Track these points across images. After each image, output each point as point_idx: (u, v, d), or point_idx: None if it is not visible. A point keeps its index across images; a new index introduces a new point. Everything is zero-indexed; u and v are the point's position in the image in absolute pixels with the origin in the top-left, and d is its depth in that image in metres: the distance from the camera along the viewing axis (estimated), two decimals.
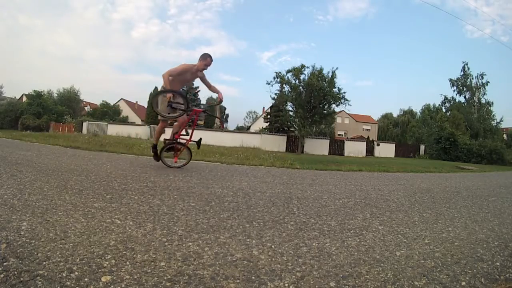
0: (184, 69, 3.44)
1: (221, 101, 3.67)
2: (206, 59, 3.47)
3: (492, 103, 29.48)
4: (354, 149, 21.91)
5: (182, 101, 3.38)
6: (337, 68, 18.26)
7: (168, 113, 3.36)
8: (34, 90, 26.99)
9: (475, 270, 1.22)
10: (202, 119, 28.17)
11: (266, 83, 18.99)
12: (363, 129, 43.14)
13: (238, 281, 0.97)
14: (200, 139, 3.69)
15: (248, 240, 1.36)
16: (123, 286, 0.88)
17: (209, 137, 18.09)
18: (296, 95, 18.58)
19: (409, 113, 43.26)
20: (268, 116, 28.31)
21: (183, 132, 3.58)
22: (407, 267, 1.19)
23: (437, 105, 34.19)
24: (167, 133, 3.77)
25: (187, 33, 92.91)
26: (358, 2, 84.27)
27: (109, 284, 0.88)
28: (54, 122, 24.48)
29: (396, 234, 1.63)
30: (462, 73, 30.38)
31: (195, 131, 3.66)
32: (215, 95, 3.93)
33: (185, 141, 3.59)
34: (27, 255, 1.01)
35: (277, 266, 1.11)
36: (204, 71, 3.56)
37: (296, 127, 21.14)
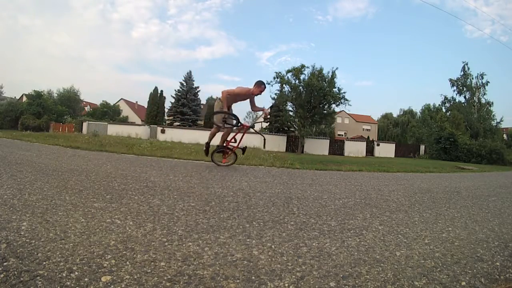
0: (240, 92, 4.13)
1: (266, 116, 4.57)
2: (261, 87, 4.13)
3: (492, 103, 29.53)
4: (354, 149, 21.92)
5: (234, 119, 4.18)
6: (337, 68, 18.30)
7: (222, 125, 4.11)
8: (34, 90, 26.98)
9: (475, 270, 1.22)
10: (202, 119, 28.27)
11: (266, 83, 18.98)
12: (363, 129, 43.15)
13: (238, 281, 0.97)
14: (246, 147, 4.47)
15: (248, 240, 1.36)
16: (123, 286, 0.88)
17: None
18: (296, 95, 18.60)
19: (409, 113, 43.30)
20: (268, 116, 28.30)
21: (232, 140, 4.32)
22: (407, 267, 1.19)
23: (437, 105, 34.28)
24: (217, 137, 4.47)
25: (187, 33, 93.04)
26: (358, 2, 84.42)
27: (109, 284, 0.88)
28: (54, 122, 24.49)
29: (396, 234, 1.63)
30: (462, 73, 30.41)
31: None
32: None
33: (232, 147, 4.33)
34: (27, 255, 1.01)
35: (277, 266, 1.11)
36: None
37: (296, 127, 21.16)
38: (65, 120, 25.75)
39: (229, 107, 4.17)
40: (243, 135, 4.30)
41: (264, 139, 5.12)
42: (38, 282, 0.85)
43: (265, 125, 28.58)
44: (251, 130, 4.50)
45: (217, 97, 4.25)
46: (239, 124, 4.21)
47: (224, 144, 4.31)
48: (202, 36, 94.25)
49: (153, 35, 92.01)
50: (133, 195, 2.03)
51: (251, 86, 4.15)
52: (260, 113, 4.51)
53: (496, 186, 4.63)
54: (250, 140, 19.03)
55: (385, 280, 1.06)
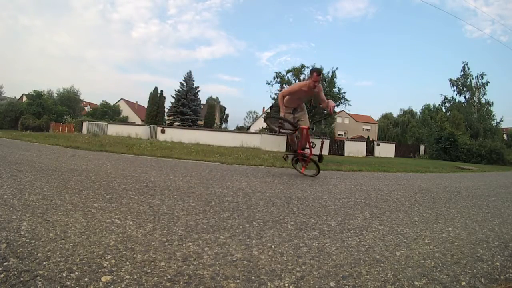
0: (297, 88, 3.66)
1: (331, 113, 3.91)
2: (313, 75, 3.51)
3: (492, 103, 29.52)
4: (354, 149, 21.91)
5: (290, 125, 3.74)
6: (337, 68, 18.33)
7: (277, 132, 3.82)
8: (34, 90, 26.94)
9: (475, 270, 1.22)
10: (202, 119, 28.22)
11: (266, 83, 19.02)
12: (363, 129, 43.13)
13: (238, 281, 0.97)
14: (321, 155, 3.74)
15: (248, 240, 1.36)
16: (123, 286, 0.88)
17: (209, 137, 18.12)
18: None
19: (409, 113, 43.27)
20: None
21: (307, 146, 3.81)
22: (407, 267, 1.19)
23: (437, 105, 34.27)
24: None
25: (187, 33, 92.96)
26: (358, 2, 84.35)
27: (109, 284, 0.88)
28: (54, 122, 24.47)
29: (396, 234, 1.63)
30: (462, 73, 30.40)
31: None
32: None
33: (307, 154, 3.81)
34: (27, 255, 1.01)
35: (277, 266, 1.11)
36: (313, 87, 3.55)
37: None
38: (65, 120, 25.73)
39: (295, 109, 3.75)
40: (308, 139, 3.73)
41: (322, 142, 4.02)
42: (38, 282, 0.85)
43: (265, 125, 28.57)
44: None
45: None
46: (297, 128, 3.71)
47: (297, 151, 3.86)
48: (202, 36, 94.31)
49: (153, 35, 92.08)
50: (133, 195, 2.03)
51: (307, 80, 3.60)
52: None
53: (496, 186, 4.63)
54: (250, 140, 19.13)
55: (385, 280, 1.06)
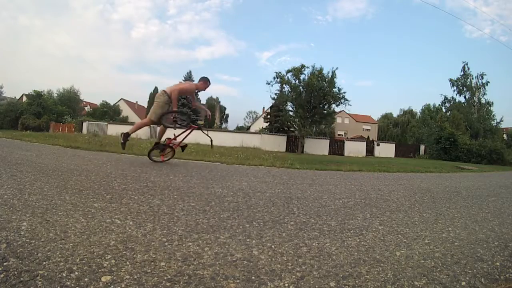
0: (188, 88, 4.12)
1: (207, 117, 4.58)
2: (206, 83, 4.19)
3: (492, 103, 29.55)
4: (354, 149, 21.91)
5: (185, 119, 4.25)
6: (337, 68, 18.27)
7: (174, 126, 4.08)
8: (34, 90, 26.95)
9: (475, 270, 1.22)
10: (202, 119, 28.26)
11: (266, 83, 18.99)
12: (363, 129, 43.12)
13: (238, 281, 0.97)
14: (186, 145, 4.39)
15: (248, 240, 1.36)
16: (123, 286, 0.88)
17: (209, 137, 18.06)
18: (296, 95, 18.58)
19: (409, 113, 43.25)
20: (268, 116, 28.30)
21: (173, 138, 4.21)
22: (407, 267, 1.19)
23: (437, 105, 34.32)
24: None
25: (187, 33, 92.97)
26: (357, 2, 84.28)
27: (109, 284, 0.88)
28: (54, 122, 24.44)
29: (396, 234, 1.63)
30: (462, 73, 30.43)
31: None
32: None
33: (173, 145, 4.22)
34: (27, 255, 1.00)
35: (277, 266, 1.11)
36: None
37: (296, 127, 21.14)
38: (65, 120, 25.70)
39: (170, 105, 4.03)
40: (187, 135, 4.23)
41: (211, 140, 4.80)
42: (38, 282, 0.85)
43: (265, 125, 28.59)
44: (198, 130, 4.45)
45: (162, 91, 4.00)
46: (189, 125, 4.23)
47: (166, 142, 4.15)
48: (202, 36, 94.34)
49: (153, 35, 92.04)
50: (133, 195, 2.03)
51: (195, 82, 4.26)
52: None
53: (496, 186, 4.63)
54: (250, 140, 19.12)
55: (385, 280, 1.06)
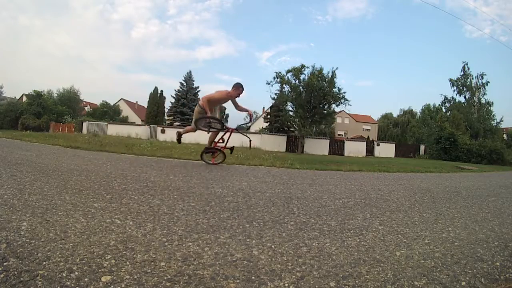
0: (219, 96, 4.30)
1: (251, 117, 5.33)
2: (239, 89, 4.31)
3: (492, 103, 29.55)
4: (354, 149, 21.92)
5: (218, 123, 4.42)
6: (337, 68, 18.30)
7: (207, 130, 4.41)
8: (34, 90, 26.93)
9: (475, 270, 1.22)
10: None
11: (266, 83, 19.02)
12: (363, 129, 43.13)
13: (238, 281, 0.97)
14: (233, 147, 4.68)
15: (248, 240, 1.36)
16: (123, 286, 0.88)
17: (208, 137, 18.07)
18: (296, 95, 18.59)
19: (409, 113, 43.26)
20: (268, 116, 28.32)
21: (220, 140, 4.58)
22: (407, 267, 1.19)
23: (437, 105, 34.34)
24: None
25: (187, 33, 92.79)
26: (357, 2, 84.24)
27: (109, 284, 0.88)
28: (54, 122, 24.44)
29: (396, 234, 1.63)
30: (462, 73, 30.42)
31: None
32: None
33: (221, 147, 4.56)
34: (27, 255, 1.01)
35: (277, 266, 1.11)
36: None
37: (296, 127, 21.15)
38: (65, 120, 25.70)
39: (211, 111, 4.29)
40: (229, 136, 4.48)
41: (250, 141, 5.03)
42: (38, 282, 0.85)
43: (265, 125, 28.60)
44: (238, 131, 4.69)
45: (197, 103, 4.42)
46: (224, 128, 4.44)
47: (212, 146, 4.53)
48: (202, 36, 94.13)
49: (153, 35, 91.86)
50: (133, 195, 2.03)
51: (229, 89, 4.35)
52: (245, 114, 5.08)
53: (496, 186, 4.63)
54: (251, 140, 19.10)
55: (385, 280, 1.06)
